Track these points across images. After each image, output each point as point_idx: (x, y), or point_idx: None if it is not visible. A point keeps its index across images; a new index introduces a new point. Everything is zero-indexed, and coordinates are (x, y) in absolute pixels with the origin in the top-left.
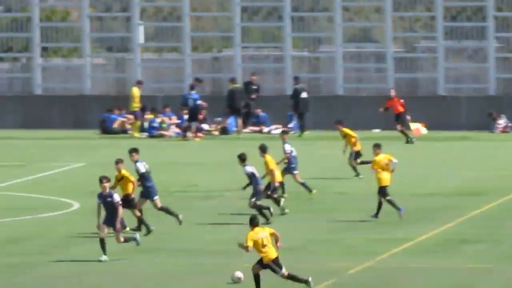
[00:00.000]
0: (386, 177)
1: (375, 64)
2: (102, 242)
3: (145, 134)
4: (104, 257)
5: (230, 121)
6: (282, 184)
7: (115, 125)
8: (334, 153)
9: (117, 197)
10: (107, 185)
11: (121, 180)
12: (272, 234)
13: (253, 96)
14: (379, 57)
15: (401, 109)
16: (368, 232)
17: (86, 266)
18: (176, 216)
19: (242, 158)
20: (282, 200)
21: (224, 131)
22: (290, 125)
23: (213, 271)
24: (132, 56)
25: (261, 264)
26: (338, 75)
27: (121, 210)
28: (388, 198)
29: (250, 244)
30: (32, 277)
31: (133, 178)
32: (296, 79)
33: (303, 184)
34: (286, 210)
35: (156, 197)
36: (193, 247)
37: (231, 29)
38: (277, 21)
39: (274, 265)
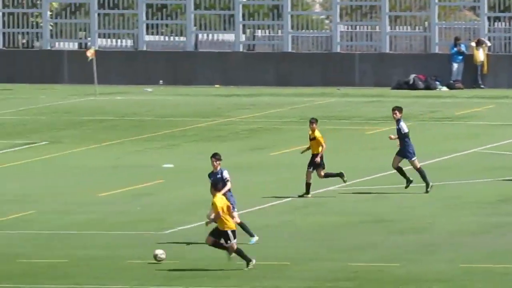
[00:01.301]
0: None
1: None
2: (241, 225)
3: None
4: (253, 239)
5: None
6: None
7: None
8: None
9: (226, 174)
10: (217, 163)
11: (313, 140)
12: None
13: None
14: None
15: None
16: None
17: None
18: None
19: None
20: None
21: None
22: None
23: None
24: None
25: (215, 233)
26: None
27: (229, 186)
28: None
29: (220, 209)
30: None
31: (323, 141)
32: None
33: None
34: None
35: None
36: None
37: None
38: None
39: (231, 234)
